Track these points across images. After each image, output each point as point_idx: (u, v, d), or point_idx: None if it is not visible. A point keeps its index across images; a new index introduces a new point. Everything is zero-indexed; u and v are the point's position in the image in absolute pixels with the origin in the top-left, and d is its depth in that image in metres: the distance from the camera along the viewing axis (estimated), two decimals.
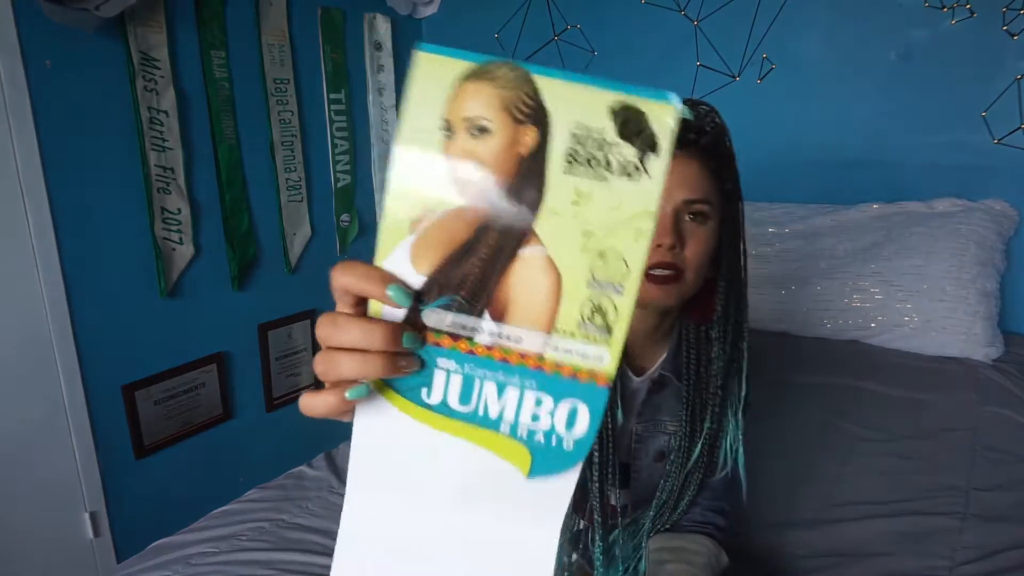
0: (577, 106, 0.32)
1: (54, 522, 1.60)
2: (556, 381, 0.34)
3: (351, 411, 0.36)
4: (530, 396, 0.35)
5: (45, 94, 1.48)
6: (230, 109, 1.83)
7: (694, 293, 0.76)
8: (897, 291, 1.62)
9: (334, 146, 2.16)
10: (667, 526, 0.85)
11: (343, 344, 0.34)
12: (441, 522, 0.37)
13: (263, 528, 1.17)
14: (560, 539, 0.37)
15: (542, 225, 0.33)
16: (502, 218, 0.33)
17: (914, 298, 1.60)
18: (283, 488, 1.30)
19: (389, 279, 0.33)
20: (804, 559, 1.00)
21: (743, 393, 0.81)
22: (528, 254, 0.33)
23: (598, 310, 0.33)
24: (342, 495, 0.39)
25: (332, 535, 0.38)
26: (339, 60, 2.13)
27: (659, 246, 0.71)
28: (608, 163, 0.32)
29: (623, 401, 0.80)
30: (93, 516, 1.66)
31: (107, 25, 1.52)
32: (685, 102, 0.78)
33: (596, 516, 0.79)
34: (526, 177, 0.33)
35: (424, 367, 0.35)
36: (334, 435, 1.49)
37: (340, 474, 1.34)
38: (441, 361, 0.35)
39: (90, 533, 1.66)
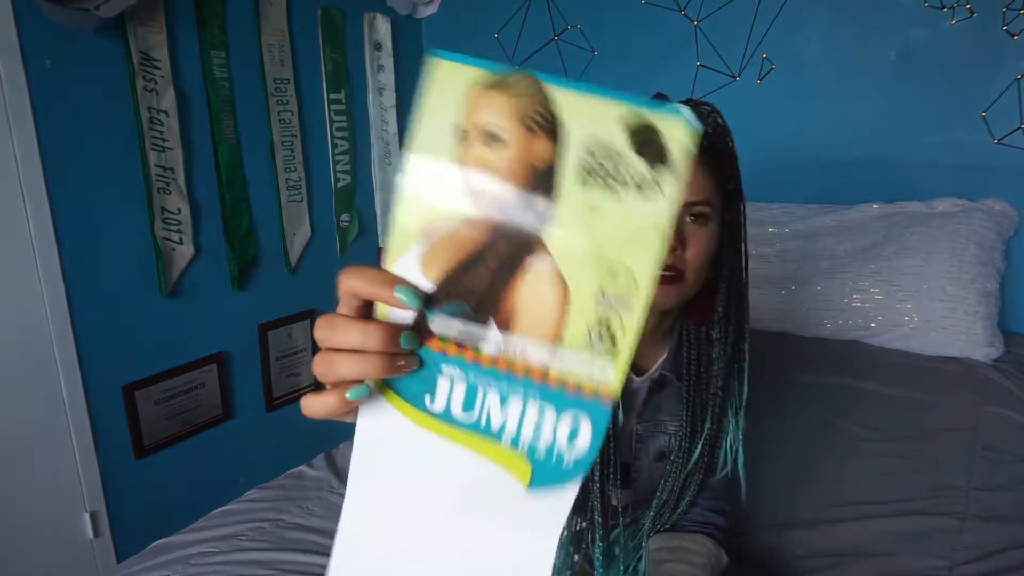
0: (592, 119, 0.31)
1: (54, 522, 1.60)
2: (560, 396, 0.34)
3: (353, 412, 0.36)
4: (533, 409, 0.35)
5: (45, 94, 1.48)
6: (230, 109, 1.83)
7: (695, 294, 0.76)
8: (897, 291, 1.62)
9: (334, 146, 2.16)
10: (667, 526, 0.86)
11: (341, 345, 0.34)
12: (439, 527, 0.37)
13: (263, 528, 1.17)
14: (561, 538, 0.37)
15: (552, 237, 0.33)
16: (512, 228, 0.33)
17: (914, 298, 1.61)
18: (283, 488, 1.30)
19: (398, 282, 0.33)
20: (804, 559, 1.00)
21: (744, 394, 0.81)
22: (537, 266, 0.33)
23: (605, 326, 0.33)
24: (342, 495, 0.39)
25: (332, 535, 0.38)
26: (339, 60, 2.13)
27: None
28: (621, 178, 0.32)
29: (624, 401, 0.80)
30: (93, 516, 1.66)
31: (107, 25, 1.52)
32: (686, 102, 0.78)
33: (597, 516, 0.79)
34: (538, 188, 0.32)
35: (424, 366, 0.35)
36: (334, 435, 1.49)
37: (340, 474, 1.34)
38: (446, 368, 0.35)
39: (90, 533, 1.66)
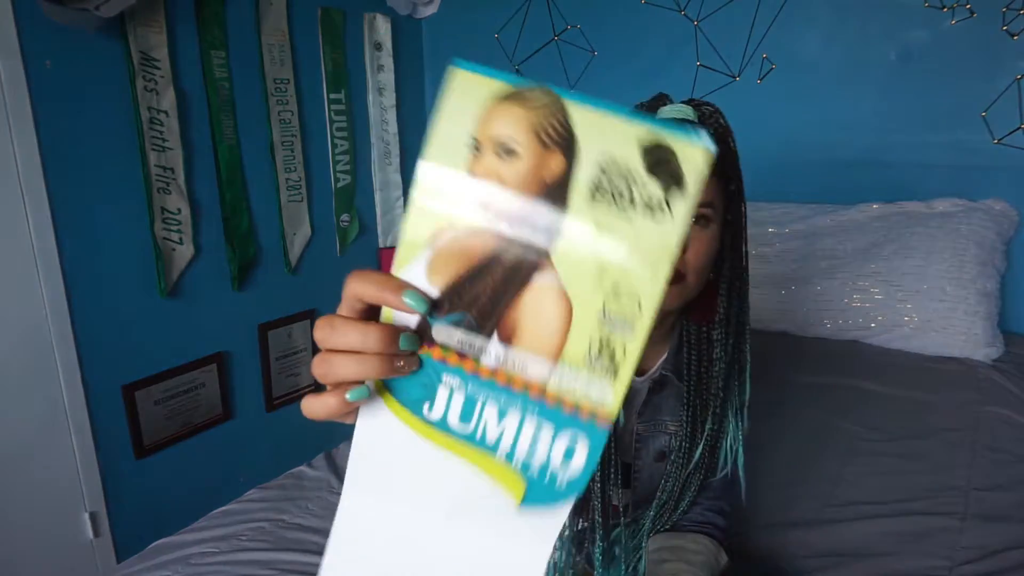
0: (607, 137, 0.31)
1: (54, 522, 1.60)
2: (557, 413, 0.34)
3: (353, 414, 0.36)
4: (530, 425, 0.35)
5: (45, 94, 1.48)
6: (230, 109, 1.83)
7: (696, 294, 0.76)
8: (897, 291, 1.63)
9: (334, 146, 2.16)
10: (667, 526, 0.86)
11: (341, 346, 0.34)
12: (431, 533, 0.37)
13: (263, 528, 1.17)
14: (562, 537, 0.37)
15: (559, 253, 0.32)
16: (520, 242, 0.33)
17: (914, 298, 1.61)
18: (283, 488, 1.30)
19: (405, 287, 0.33)
20: (804, 559, 1.00)
21: (744, 394, 0.81)
22: (542, 281, 0.33)
23: (606, 348, 0.33)
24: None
25: None
26: (339, 60, 2.13)
27: None
28: (632, 199, 0.31)
29: (624, 400, 0.80)
30: (93, 516, 1.66)
31: (107, 25, 1.52)
32: (688, 102, 0.77)
33: (597, 516, 0.79)
34: (548, 203, 0.32)
35: (425, 373, 0.35)
36: (334, 435, 1.49)
37: (340, 474, 1.34)
38: (446, 377, 0.35)
39: (90, 533, 1.66)
